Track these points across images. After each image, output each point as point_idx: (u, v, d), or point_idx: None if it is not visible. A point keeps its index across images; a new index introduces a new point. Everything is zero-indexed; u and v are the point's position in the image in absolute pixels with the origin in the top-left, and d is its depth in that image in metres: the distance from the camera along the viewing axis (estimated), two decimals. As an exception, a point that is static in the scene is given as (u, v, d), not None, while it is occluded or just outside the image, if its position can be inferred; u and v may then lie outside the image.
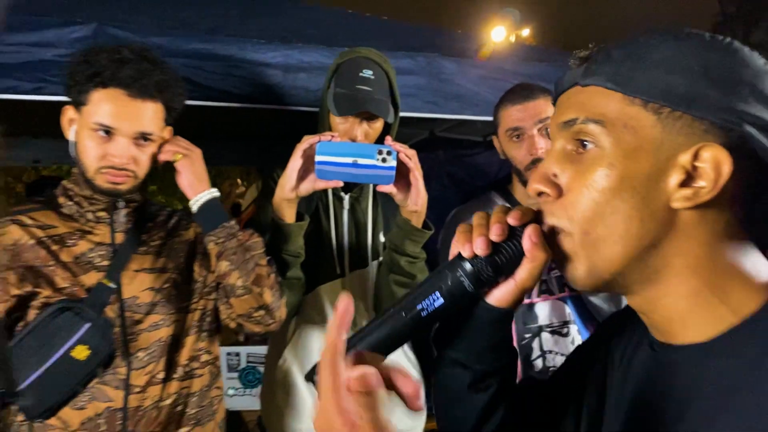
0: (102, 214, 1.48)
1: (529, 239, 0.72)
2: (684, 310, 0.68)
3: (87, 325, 1.36)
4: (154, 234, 1.55)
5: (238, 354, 3.01)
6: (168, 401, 1.48)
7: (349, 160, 1.49)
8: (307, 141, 1.55)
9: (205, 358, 1.57)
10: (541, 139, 1.76)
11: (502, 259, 0.73)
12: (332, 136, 1.55)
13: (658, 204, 0.65)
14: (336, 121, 1.67)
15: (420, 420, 1.90)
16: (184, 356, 1.52)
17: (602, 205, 0.67)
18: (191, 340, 1.54)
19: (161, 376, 1.48)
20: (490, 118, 2.33)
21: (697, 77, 0.63)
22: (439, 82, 2.17)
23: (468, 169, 3.36)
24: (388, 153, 1.49)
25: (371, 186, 1.81)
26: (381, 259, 1.78)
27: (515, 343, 1.78)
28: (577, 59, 0.72)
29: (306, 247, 1.67)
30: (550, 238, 0.72)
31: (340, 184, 1.56)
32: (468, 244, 0.73)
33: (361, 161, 1.49)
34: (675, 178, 0.64)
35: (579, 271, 0.70)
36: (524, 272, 0.74)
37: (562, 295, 1.85)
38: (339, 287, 1.78)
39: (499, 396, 0.85)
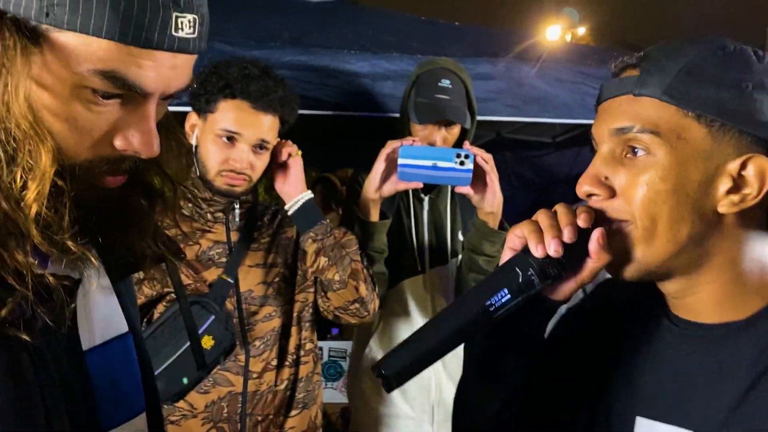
0: (219, 214, 1.60)
1: (597, 242, 0.76)
2: (718, 296, 0.75)
3: (212, 317, 1.49)
4: (263, 232, 1.67)
5: (320, 348, 3.11)
6: (281, 386, 1.61)
7: (429, 162, 1.61)
8: (390, 146, 1.67)
9: (308, 346, 1.69)
10: None
11: (567, 258, 0.78)
12: (413, 141, 1.67)
13: (707, 208, 0.72)
14: (416, 128, 1.78)
15: None
16: (292, 344, 1.64)
17: (656, 209, 0.73)
18: (296, 330, 1.66)
19: (275, 362, 1.60)
20: (569, 121, 2.37)
21: (745, 93, 0.70)
22: (518, 86, 2.22)
23: (536, 169, 3.39)
24: (466, 156, 1.60)
25: (449, 187, 1.90)
26: (460, 257, 1.87)
27: None
28: (624, 66, 0.77)
29: (389, 244, 1.78)
30: (608, 237, 0.77)
31: (420, 185, 1.69)
32: (540, 244, 0.77)
33: (441, 164, 1.61)
34: (724, 185, 0.71)
35: (631, 266, 0.76)
36: (587, 271, 0.80)
37: None
38: (420, 283, 1.89)
39: (534, 377, 0.91)
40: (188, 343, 1.45)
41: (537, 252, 0.77)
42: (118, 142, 0.69)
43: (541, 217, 0.80)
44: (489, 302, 0.77)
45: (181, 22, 0.65)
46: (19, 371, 0.65)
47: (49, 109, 0.64)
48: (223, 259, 1.58)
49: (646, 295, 0.84)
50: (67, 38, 0.62)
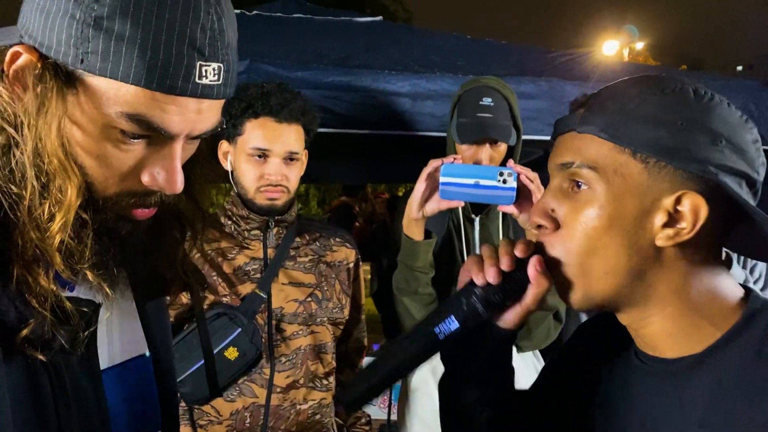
0: (256, 232, 1.67)
1: (534, 268, 0.80)
2: (671, 328, 0.77)
3: (238, 330, 1.56)
4: (302, 250, 1.71)
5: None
6: (305, 406, 1.64)
7: (471, 181, 1.59)
8: (431, 165, 1.67)
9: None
10: None
11: (511, 286, 0.82)
12: (454, 159, 1.66)
13: (644, 241, 0.74)
14: (461, 148, 1.78)
15: None
16: (322, 369, 1.69)
17: (594, 241, 0.76)
18: (327, 358, 1.70)
19: (302, 381, 1.64)
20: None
21: (679, 132, 0.72)
22: (560, 105, 2.21)
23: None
24: (509, 174, 1.58)
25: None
26: None
27: None
28: (577, 104, 0.81)
29: (439, 266, 1.79)
30: (551, 267, 0.81)
31: (462, 204, 1.68)
32: (481, 273, 0.83)
33: (483, 182, 1.59)
34: (659, 219, 0.73)
35: (575, 296, 0.80)
36: (530, 297, 0.83)
37: None
38: None
39: (502, 411, 0.94)
40: (214, 352, 1.51)
41: (478, 280, 0.83)
42: (145, 179, 0.74)
43: (484, 249, 0.86)
44: (437, 329, 0.82)
45: (206, 71, 0.70)
46: (37, 386, 0.70)
47: (81, 146, 0.70)
48: (258, 275, 1.65)
49: (620, 332, 0.85)
50: (99, 83, 0.68)
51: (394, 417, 2.64)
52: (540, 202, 0.81)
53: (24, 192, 0.68)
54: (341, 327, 1.76)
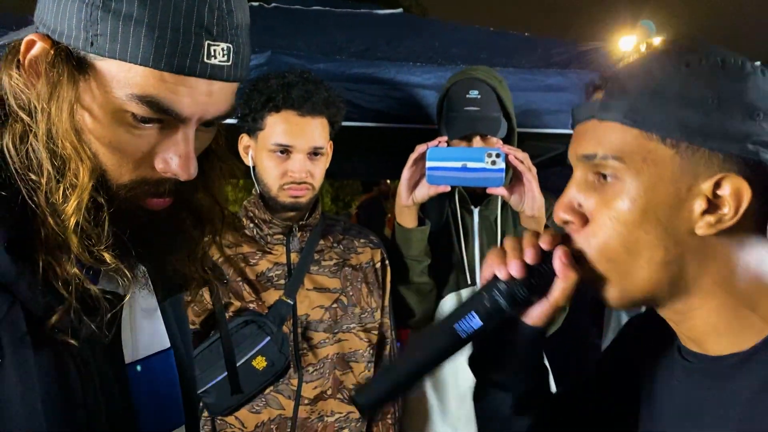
0: (279, 236, 1.60)
1: (559, 260, 0.75)
2: (716, 323, 0.71)
3: (267, 339, 1.49)
4: (326, 254, 1.64)
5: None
6: (332, 419, 1.57)
7: (458, 164, 1.55)
8: (418, 150, 1.63)
9: None
10: None
11: (536, 280, 0.77)
12: (439, 142, 1.61)
13: (682, 231, 0.68)
14: (452, 143, 1.73)
15: None
16: (351, 380, 1.61)
17: (627, 236, 0.70)
18: (359, 368, 1.62)
19: (329, 392, 1.57)
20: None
21: (710, 110, 0.65)
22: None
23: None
24: (497, 155, 1.53)
25: (499, 198, 1.84)
26: None
27: None
28: (593, 88, 0.75)
29: (438, 257, 1.75)
30: (581, 260, 0.75)
31: (448, 188, 1.63)
32: (503, 267, 0.78)
33: (471, 165, 1.54)
34: (698, 206, 0.67)
35: (611, 293, 0.74)
36: (557, 292, 0.78)
37: None
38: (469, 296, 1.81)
39: (541, 414, 0.88)
40: (241, 361, 1.46)
41: (501, 274, 0.78)
42: (159, 165, 0.73)
43: (507, 241, 0.81)
44: (458, 327, 0.78)
45: (214, 50, 0.70)
46: (65, 376, 0.71)
47: (93, 132, 0.70)
48: (282, 281, 1.58)
49: (665, 327, 0.79)
50: (109, 66, 0.68)
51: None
52: (564, 197, 0.76)
53: (41, 179, 0.69)
54: (376, 333, 1.67)
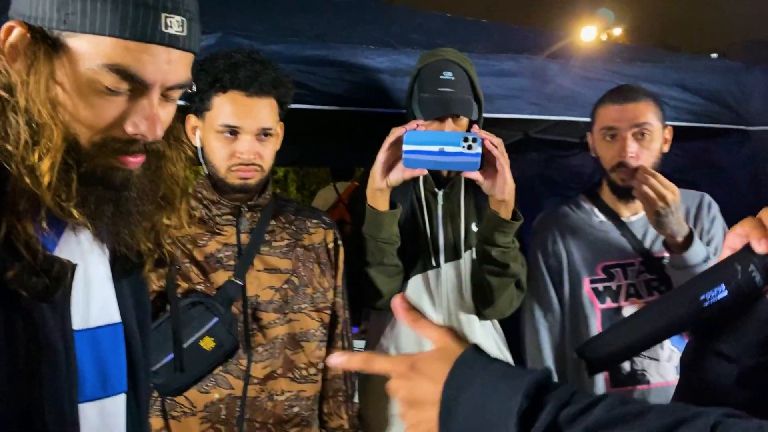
0: (228, 217, 1.59)
1: None
2: None
3: (215, 320, 1.48)
4: (278, 235, 1.64)
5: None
6: (282, 397, 1.58)
7: (435, 148, 1.55)
8: (394, 133, 1.62)
9: (321, 366, 1.66)
10: (634, 143, 1.76)
11: None
12: (417, 125, 1.62)
13: None
14: (424, 124, 1.73)
15: None
16: (302, 360, 1.61)
17: None
18: (311, 347, 1.62)
19: (280, 371, 1.57)
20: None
21: None
22: (542, 83, 2.18)
23: (561, 171, 3.32)
24: (474, 140, 1.54)
25: (463, 181, 1.87)
26: (474, 250, 1.85)
27: None
28: None
29: (403, 241, 1.76)
30: None
31: (425, 172, 1.64)
32: (764, 240, 0.75)
33: (447, 149, 1.54)
34: None
35: None
36: None
37: (650, 299, 1.84)
38: (434, 277, 1.86)
39: (765, 391, 0.85)
40: (189, 342, 1.47)
41: (760, 248, 0.75)
42: (129, 128, 0.84)
43: (765, 214, 0.78)
44: (703, 297, 0.77)
45: (170, 21, 0.82)
46: (12, 337, 0.79)
47: (67, 101, 0.81)
48: (232, 262, 1.57)
49: None
50: (80, 42, 0.80)
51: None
52: None
53: (18, 146, 0.78)
54: (328, 312, 1.68)
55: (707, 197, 1.91)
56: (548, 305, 1.93)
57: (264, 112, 1.51)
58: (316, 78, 1.91)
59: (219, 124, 1.50)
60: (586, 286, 1.87)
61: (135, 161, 0.87)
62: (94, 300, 0.92)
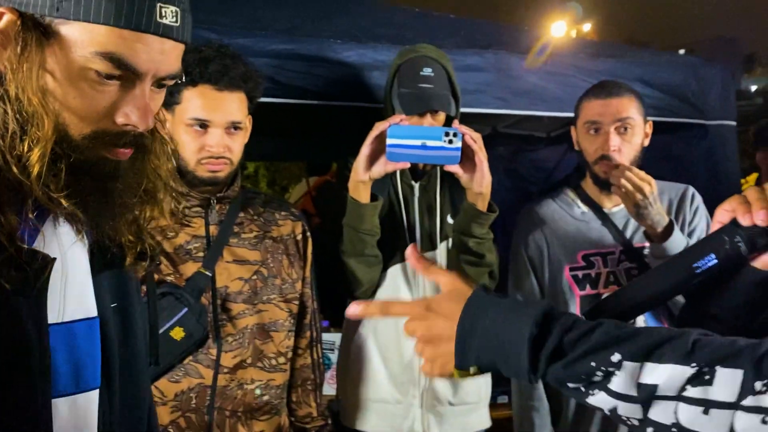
0: (197, 209, 1.60)
1: None
2: None
3: (184, 310, 1.50)
4: (246, 226, 1.66)
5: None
6: (252, 386, 1.60)
7: (418, 142, 1.60)
8: (378, 127, 1.67)
9: (290, 355, 1.69)
10: (616, 137, 1.81)
11: None
12: (401, 120, 1.67)
13: None
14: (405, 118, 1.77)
15: (485, 397, 2.01)
16: (271, 349, 1.63)
17: None
18: (280, 337, 1.65)
19: (249, 361, 1.60)
20: (558, 114, 2.36)
21: None
22: (507, 78, 2.22)
23: (527, 165, 3.38)
24: (455, 135, 1.60)
25: (439, 174, 1.92)
26: (449, 240, 1.91)
27: None
28: None
29: (382, 231, 1.81)
30: None
31: (408, 165, 1.69)
32: (748, 214, 0.87)
33: (429, 143, 1.60)
34: None
35: None
36: None
37: None
38: (411, 267, 1.88)
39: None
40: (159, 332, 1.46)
41: (745, 221, 0.87)
42: (120, 119, 0.83)
43: (750, 191, 0.89)
44: (696, 264, 0.89)
45: (165, 11, 0.82)
46: None
47: (57, 90, 0.80)
48: (201, 254, 1.58)
49: None
50: (73, 29, 0.78)
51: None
52: None
53: (5, 137, 0.78)
54: (296, 303, 1.70)
55: (691, 189, 1.97)
56: (529, 291, 2.00)
57: (233, 106, 1.53)
58: (283, 72, 1.92)
59: (188, 118, 1.51)
60: (567, 274, 1.93)
61: (124, 153, 0.87)
62: (71, 294, 0.90)
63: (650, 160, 2.73)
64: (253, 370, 1.60)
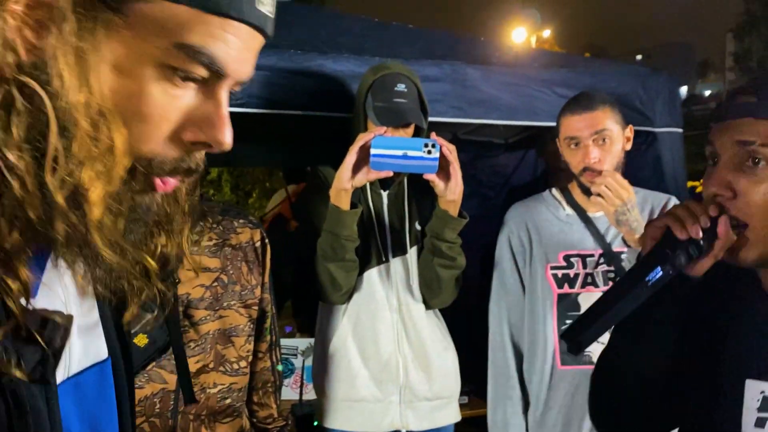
0: None
1: (724, 225, 0.97)
2: None
3: (147, 317, 1.51)
4: (206, 235, 1.68)
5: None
6: (214, 390, 1.63)
7: (399, 152, 1.73)
8: (362, 138, 1.77)
9: (251, 359, 1.73)
10: (595, 150, 1.89)
11: (704, 240, 0.98)
12: (385, 131, 1.79)
13: None
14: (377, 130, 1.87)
15: (456, 391, 2.12)
16: (233, 354, 1.67)
17: None
18: (240, 341, 1.68)
19: (212, 365, 1.63)
20: (513, 122, 2.45)
21: None
22: (463, 88, 2.28)
23: (487, 170, 3.46)
24: (433, 146, 1.73)
25: (406, 183, 2.03)
26: (418, 245, 2.02)
27: (555, 330, 1.97)
28: (740, 90, 0.99)
29: None
30: (733, 228, 0.98)
31: (390, 174, 1.79)
32: (684, 230, 0.98)
33: (410, 153, 1.73)
34: None
35: (752, 255, 0.98)
36: (719, 249, 0.99)
37: (605, 288, 1.98)
38: (384, 271, 2.02)
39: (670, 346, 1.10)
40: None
41: (682, 235, 0.98)
42: (189, 135, 0.62)
43: (680, 210, 1.01)
44: (647, 278, 0.99)
45: None
46: None
47: (125, 93, 0.56)
48: None
49: (742, 276, 1.06)
50: (152, 9, 0.55)
51: (306, 396, 2.67)
52: (717, 175, 0.98)
53: (39, 158, 0.53)
54: (256, 308, 1.73)
55: (674, 199, 2.06)
56: (512, 286, 2.10)
57: None
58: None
59: None
60: (547, 272, 2.02)
61: (168, 186, 0.64)
62: (81, 340, 0.69)
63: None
64: (215, 374, 1.63)
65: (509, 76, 2.37)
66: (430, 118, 2.22)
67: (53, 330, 0.59)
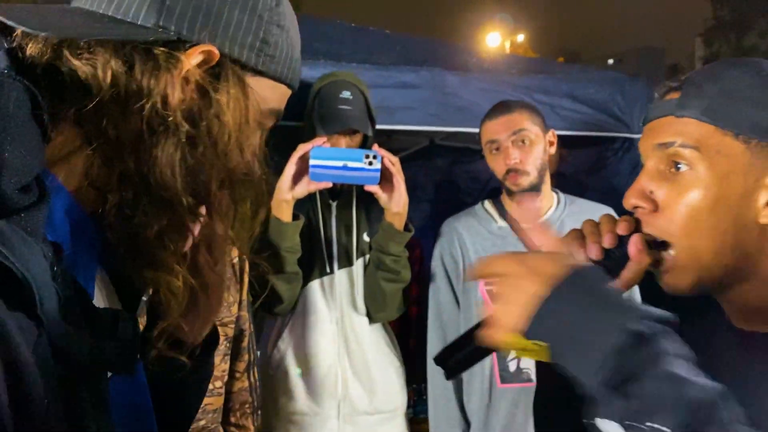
0: None
1: (635, 246, 0.81)
2: None
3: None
4: None
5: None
6: None
7: (339, 163, 1.69)
8: (301, 149, 1.73)
9: (227, 379, 1.68)
10: (515, 150, 1.87)
11: (610, 262, 0.83)
12: (324, 142, 1.74)
13: (748, 219, 0.76)
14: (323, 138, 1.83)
15: (402, 405, 2.07)
16: None
17: (701, 222, 0.77)
18: (216, 361, 1.62)
19: None
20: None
21: None
22: (441, 95, 2.26)
23: (464, 176, 3.45)
24: (374, 157, 1.70)
25: (355, 194, 1.99)
26: (365, 257, 1.99)
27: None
28: (668, 89, 0.84)
29: (301, 248, 1.85)
30: (655, 248, 0.82)
31: (330, 185, 1.76)
32: (582, 250, 0.84)
33: (350, 164, 1.70)
34: (763, 198, 0.76)
35: (684, 280, 0.81)
36: (629, 273, 0.83)
37: None
38: (328, 283, 1.98)
39: None
40: None
41: (580, 257, 0.83)
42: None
43: (585, 225, 0.86)
44: None
45: None
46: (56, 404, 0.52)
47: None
48: None
49: (705, 306, 0.89)
50: (259, 83, 0.70)
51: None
52: (637, 184, 0.82)
53: (200, 197, 0.67)
54: (232, 326, 1.68)
55: (610, 212, 2.02)
56: (446, 304, 2.04)
57: None
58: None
59: None
60: (481, 287, 1.95)
61: None
62: None
63: (580, 173, 2.84)
64: None
65: (487, 82, 2.35)
66: (407, 126, 2.20)
67: (126, 322, 0.65)
